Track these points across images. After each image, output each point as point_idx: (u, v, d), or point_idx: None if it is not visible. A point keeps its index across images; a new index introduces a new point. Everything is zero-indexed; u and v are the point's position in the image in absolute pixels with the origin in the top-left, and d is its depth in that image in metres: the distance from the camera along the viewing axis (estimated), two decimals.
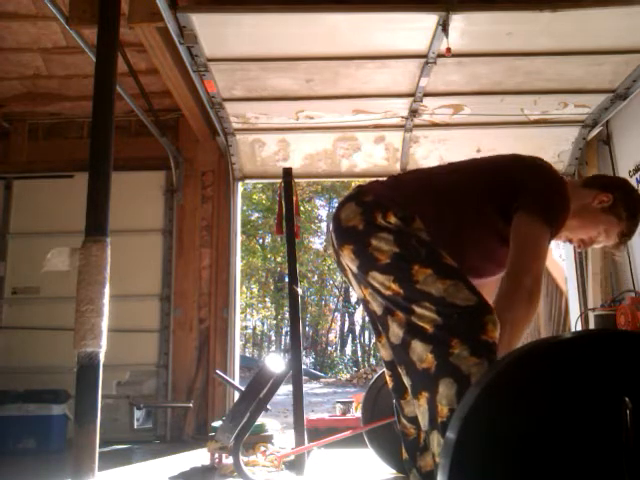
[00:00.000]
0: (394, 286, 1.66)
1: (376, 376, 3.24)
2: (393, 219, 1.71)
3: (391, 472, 3.06)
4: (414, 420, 1.81)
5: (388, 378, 1.95)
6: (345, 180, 14.57)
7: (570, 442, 1.08)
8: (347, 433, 3.27)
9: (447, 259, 1.67)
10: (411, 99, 4.31)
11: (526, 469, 1.08)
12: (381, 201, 1.75)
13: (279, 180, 3.73)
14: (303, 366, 3.73)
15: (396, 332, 1.71)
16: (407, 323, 1.66)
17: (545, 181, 1.75)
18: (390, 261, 1.67)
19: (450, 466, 1.09)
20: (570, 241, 1.96)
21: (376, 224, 1.71)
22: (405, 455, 1.90)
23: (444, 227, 1.74)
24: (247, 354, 22.19)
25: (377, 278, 1.70)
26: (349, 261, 1.79)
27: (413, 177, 1.94)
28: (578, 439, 1.09)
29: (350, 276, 1.90)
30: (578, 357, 1.13)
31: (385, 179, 1.92)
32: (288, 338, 16.27)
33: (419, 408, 1.63)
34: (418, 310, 1.62)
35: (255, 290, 21.59)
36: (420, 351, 1.60)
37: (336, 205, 1.88)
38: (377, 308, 1.80)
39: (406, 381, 1.70)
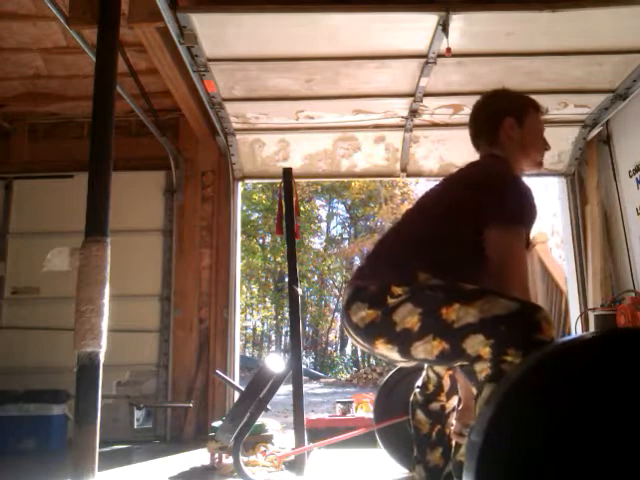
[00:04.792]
0: (436, 343, 1.60)
1: (388, 376, 3.23)
2: (399, 290, 1.67)
3: (392, 472, 3.06)
4: (433, 415, 1.93)
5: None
6: (345, 180, 14.58)
7: (597, 439, 1.07)
8: (358, 431, 3.28)
9: (466, 286, 1.65)
10: (411, 99, 4.31)
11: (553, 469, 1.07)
12: (380, 284, 1.72)
13: (279, 180, 3.73)
14: (303, 366, 3.73)
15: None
16: (467, 370, 1.62)
17: (500, 190, 1.75)
18: (421, 324, 1.62)
19: (476, 468, 1.09)
20: (538, 164, 2.00)
21: (389, 305, 1.67)
22: (415, 451, 1.98)
23: (446, 268, 1.73)
24: (247, 354, 22.19)
25: (419, 347, 1.65)
26: (388, 352, 1.74)
27: (394, 238, 1.90)
28: (605, 437, 1.07)
29: (396, 359, 1.84)
30: (605, 356, 1.12)
31: (368, 253, 1.92)
32: (288, 338, 16.27)
33: None
34: (469, 348, 1.55)
35: (255, 290, 21.61)
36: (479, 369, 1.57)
37: (342, 306, 1.84)
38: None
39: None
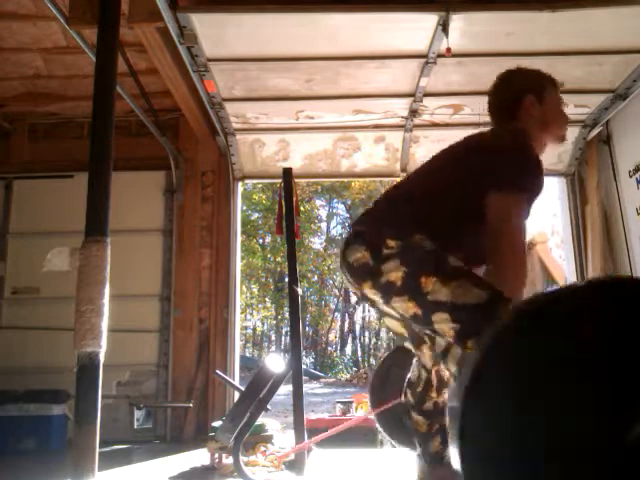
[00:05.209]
0: (411, 305, 1.67)
1: (382, 359, 3.23)
2: (392, 243, 1.72)
3: (392, 472, 3.06)
4: (428, 414, 1.95)
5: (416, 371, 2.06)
6: (345, 180, 14.57)
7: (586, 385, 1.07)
8: (355, 420, 3.27)
9: (450, 261, 1.68)
10: (411, 99, 4.31)
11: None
12: (379, 232, 1.77)
13: (279, 180, 3.73)
14: (303, 366, 3.73)
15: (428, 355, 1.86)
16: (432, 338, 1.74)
17: (507, 155, 1.76)
18: (402, 282, 1.68)
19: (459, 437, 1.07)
20: (561, 137, 2.00)
21: (382, 255, 1.72)
22: (418, 449, 2.02)
23: (443, 232, 1.75)
24: (247, 354, 22.18)
25: (397, 303, 1.72)
26: (373, 297, 1.81)
27: (397, 194, 1.94)
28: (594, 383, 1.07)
29: (381, 307, 1.91)
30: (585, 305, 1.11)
31: (373, 206, 1.95)
32: (288, 338, 16.26)
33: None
34: (436, 323, 1.63)
35: (255, 290, 21.60)
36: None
37: (340, 250, 1.89)
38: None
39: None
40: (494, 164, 1.73)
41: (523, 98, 1.92)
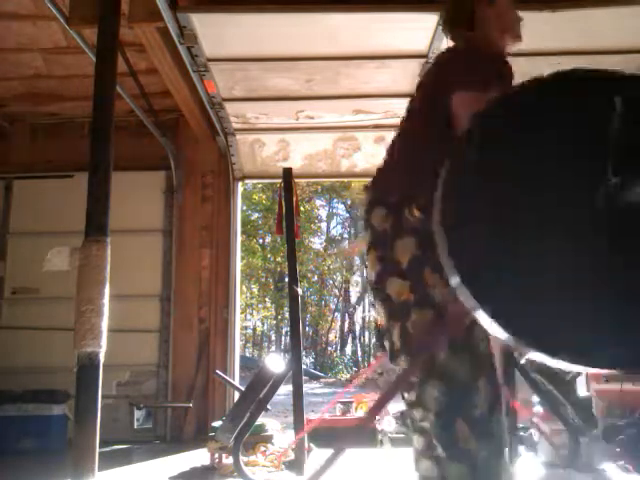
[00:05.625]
0: (406, 291, 1.58)
1: None
2: (417, 212, 1.58)
3: (392, 472, 3.06)
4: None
5: None
6: (345, 180, 14.58)
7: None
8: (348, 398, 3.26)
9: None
10: None
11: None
12: (400, 197, 1.64)
13: (279, 180, 3.73)
14: (303, 366, 3.73)
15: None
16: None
17: (462, 57, 1.70)
18: (408, 265, 1.57)
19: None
20: (517, 37, 1.92)
21: (401, 225, 1.61)
22: (419, 445, 1.82)
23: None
24: (247, 354, 22.18)
25: (393, 284, 1.62)
26: (372, 265, 1.70)
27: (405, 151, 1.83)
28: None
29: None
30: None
31: (386, 163, 1.83)
32: (288, 338, 16.27)
33: None
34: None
35: (255, 290, 21.60)
36: None
37: (364, 208, 1.76)
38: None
39: None
40: (452, 71, 1.64)
41: (473, 5, 1.84)
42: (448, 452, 1.49)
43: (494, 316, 0.99)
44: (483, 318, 1.02)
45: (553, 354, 0.98)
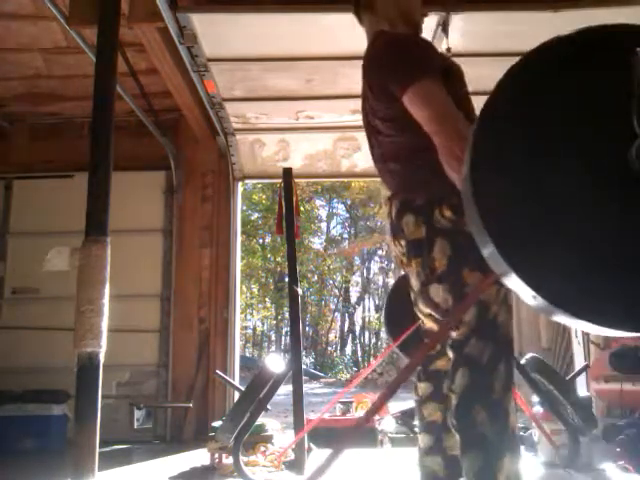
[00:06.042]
0: (443, 295, 1.58)
1: (393, 285, 3.09)
2: (449, 213, 1.56)
3: (393, 472, 3.06)
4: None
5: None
6: (345, 180, 14.58)
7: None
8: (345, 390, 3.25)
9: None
10: None
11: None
12: (428, 198, 1.61)
13: (279, 180, 3.73)
14: (303, 366, 3.73)
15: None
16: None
17: (383, 55, 1.72)
18: (445, 269, 1.56)
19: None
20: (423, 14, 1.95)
21: (434, 228, 1.58)
22: (428, 442, 1.78)
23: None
24: (247, 354, 22.18)
25: (433, 289, 1.60)
26: (415, 275, 1.68)
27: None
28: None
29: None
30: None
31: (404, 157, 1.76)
32: (288, 338, 16.27)
33: None
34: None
35: (255, 290, 21.60)
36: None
37: (391, 219, 1.72)
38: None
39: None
40: (384, 71, 1.68)
41: None
42: (466, 437, 1.48)
43: (529, 283, 0.95)
44: (515, 283, 0.98)
45: (596, 320, 0.94)
